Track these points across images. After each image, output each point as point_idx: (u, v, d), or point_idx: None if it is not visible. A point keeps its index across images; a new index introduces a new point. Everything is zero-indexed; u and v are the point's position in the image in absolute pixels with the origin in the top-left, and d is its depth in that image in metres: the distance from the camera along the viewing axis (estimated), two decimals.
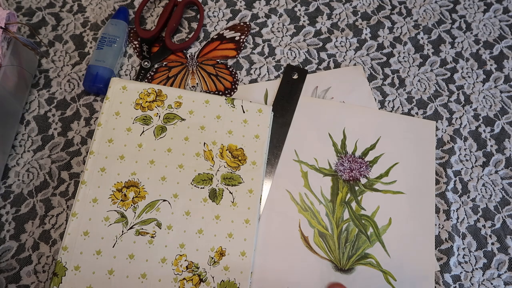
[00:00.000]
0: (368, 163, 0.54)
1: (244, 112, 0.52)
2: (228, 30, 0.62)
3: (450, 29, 0.65)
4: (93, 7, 0.62)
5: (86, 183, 0.46)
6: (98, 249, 0.44)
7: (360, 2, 0.66)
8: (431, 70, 0.62)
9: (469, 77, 0.62)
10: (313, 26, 0.63)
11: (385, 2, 0.67)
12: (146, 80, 0.57)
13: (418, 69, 0.62)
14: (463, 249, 0.51)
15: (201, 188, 0.48)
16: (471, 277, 0.50)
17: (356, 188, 0.53)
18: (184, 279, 0.44)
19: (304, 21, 0.64)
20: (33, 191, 0.50)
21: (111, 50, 0.56)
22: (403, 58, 0.62)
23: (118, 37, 0.57)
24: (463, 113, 0.59)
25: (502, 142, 0.58)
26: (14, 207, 0.49)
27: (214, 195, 0.48)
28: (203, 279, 0.45)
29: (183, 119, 0.51)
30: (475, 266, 0.51)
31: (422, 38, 0.64)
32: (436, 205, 0.53)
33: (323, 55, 0.61)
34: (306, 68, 0.60)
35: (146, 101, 0.51)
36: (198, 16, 0.62)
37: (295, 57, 0.61)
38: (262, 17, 0.64)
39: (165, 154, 0.49)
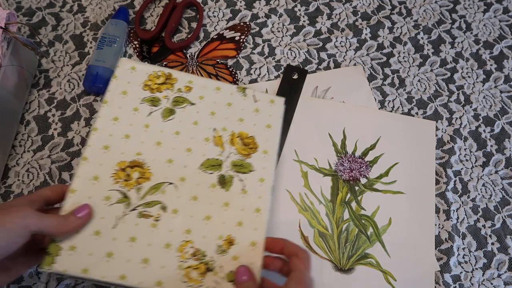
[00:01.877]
0: (368, 163, 0.54)
1: (255, 102, 0.50)
2: (228, 30, 0.62)
3: (450, 29, 0.65)
4: (93, 7, 0.62)
5: (87, 159, 0.44)
6: (97, 230, 0.41)
7: (360, 2, 0.66)
8: (431, 70, 0.62)
9: (469, 77, 0.62)
10: (313, 26, 0.63)
11: (385, 2, 0.67)
12: None
13: (418, 69, 0.62)
14: (463, 249, 0.51)
15: (209, 173, 0.46)
16: (471, 277, 0.50)
17: (356, 188, 0.53)
18: (189, 267, 0.41)
19: (304, 21, 0.64)
20: (33, 191, 0.50)
21: (111, 50, 0.56)
22: (403, 58, 0.62)
23: (118, 37, 0.57)
24: (463, 113, 0.59)
25: (502, 142, 0.58)
26: None
27: (223, 182, 0.46)
28: (210, 268, 0.42)
29: (192, 104, 0.49)
30: (475, 266, 0.51)
31: (422, 38, 0.64)
32: (436, 205, 0.53)
33: (323, 55, 0.61)
34: (306, 68, 0.60)
35: (155, 83, 0.49)
36: (198, 16, 0.62)
37: (295, 57, 0.61)
38: (262, 17, 0.64)
39: (172, 137, 0.47)
